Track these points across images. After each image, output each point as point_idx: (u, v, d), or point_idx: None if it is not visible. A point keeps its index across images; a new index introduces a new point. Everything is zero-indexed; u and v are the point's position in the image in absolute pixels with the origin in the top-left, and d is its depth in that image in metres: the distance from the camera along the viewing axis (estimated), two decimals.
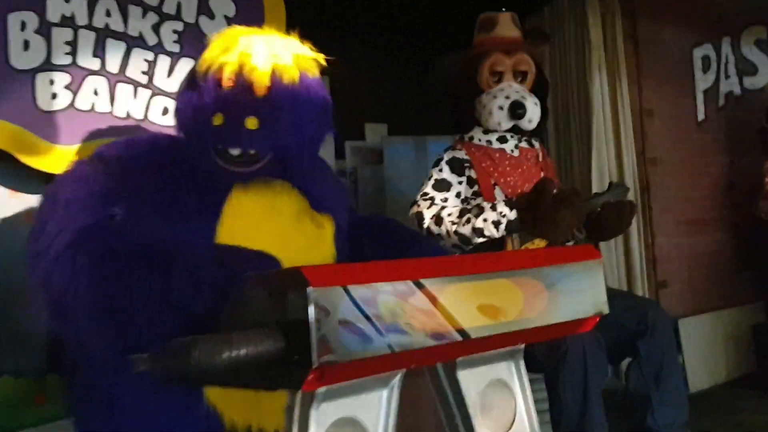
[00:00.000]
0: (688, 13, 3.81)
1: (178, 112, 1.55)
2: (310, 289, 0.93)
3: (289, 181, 1.62)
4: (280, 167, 1.55)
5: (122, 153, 1.53)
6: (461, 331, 1.13)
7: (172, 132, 1.62)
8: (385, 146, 3.23)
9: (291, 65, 1.52)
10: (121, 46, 2.22)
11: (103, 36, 2.18)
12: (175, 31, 2.36)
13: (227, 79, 1.47)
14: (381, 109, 3.43)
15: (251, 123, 1.45)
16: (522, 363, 1.39)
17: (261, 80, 1.47)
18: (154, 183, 1.48)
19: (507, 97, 2.23)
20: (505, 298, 1.21)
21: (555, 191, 1.99)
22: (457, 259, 1.28)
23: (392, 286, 1.05)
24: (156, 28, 2.31)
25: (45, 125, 2.05)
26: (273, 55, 1.50)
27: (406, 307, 1.06)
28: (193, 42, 2.35)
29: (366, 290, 1.00)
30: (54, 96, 2.08)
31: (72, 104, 2.12)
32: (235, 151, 1.49)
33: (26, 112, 2.03)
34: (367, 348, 0.99)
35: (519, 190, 2.25)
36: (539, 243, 2.07)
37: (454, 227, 2.08)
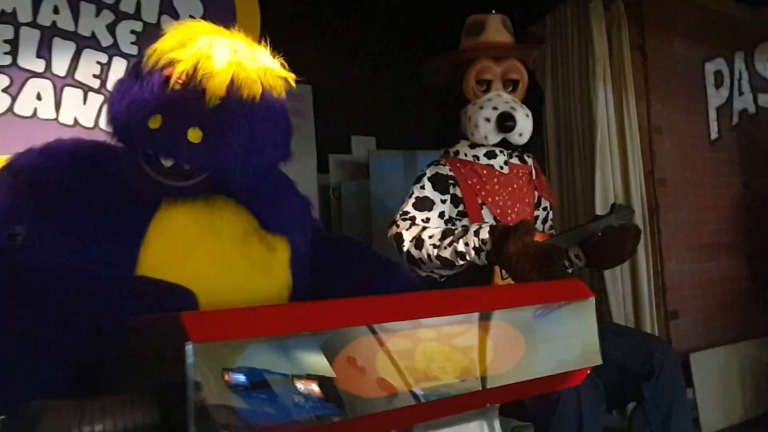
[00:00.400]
0: (699, 24, 3.58)
1: (111, 106, 1.33)
2: (190, 344, 0.69)
3: (233, 198, 1.39)
4: (220, 184, 1.33)
5: (35, 162, 1.31)
6: (413, 394, 0.89)
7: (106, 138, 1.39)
8: (371, 160, 3.00)
9: (254, 78, 1.30)
10: (71, 47, 2.02)
11: (49, 35, 1.98)
12: (133, 32, 2.16)
13: (177, 78, 1.26)
14: (368, 121, 3.22)
15: (193, 135, 1.22)
16: (497, 422, 1.14)
17: (216, 88, 1.25)
18: (69, 197, 1.26)
19: (495, 108, 2.00)
20: (471, 348, 0.97)
21: (534, 238, 1.74)
22: (411, 297, 1.04)
23: (316, 337, 0.81)
24: (111, 28, 2.11)
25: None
26: (236, 62, 1.28)
27: (338, 363, 0.82)
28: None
29: (274, 345, 0.76)
30: None
31: (10, 109, 1.91)
32: (167, 162, 1.27)
33: None
34: (276, 422, 0.75)
35: (509, 211, 2.01)
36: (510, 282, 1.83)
37: (435, 251, 1.84)
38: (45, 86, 1.97)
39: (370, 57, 3.23)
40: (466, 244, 1.78)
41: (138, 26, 2.17)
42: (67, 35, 2.01)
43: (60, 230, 1.22)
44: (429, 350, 0.92)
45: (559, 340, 1.06)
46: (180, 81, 1.26)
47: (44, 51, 1.97)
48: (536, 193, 2.12)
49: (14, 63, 1.92)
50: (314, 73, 3.04)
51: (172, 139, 1.22)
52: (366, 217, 2.89)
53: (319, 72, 3.05)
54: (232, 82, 1.26)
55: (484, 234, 1.77)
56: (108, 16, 2.11)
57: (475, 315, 1.00)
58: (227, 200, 1.38)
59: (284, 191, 1.53)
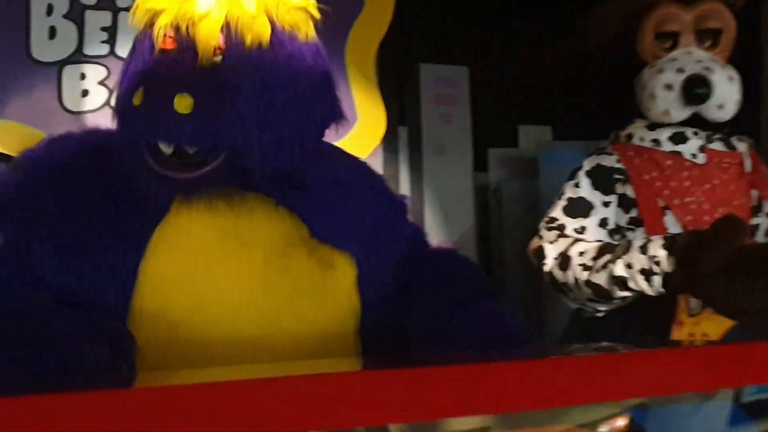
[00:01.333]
0: None
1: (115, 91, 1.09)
2: None
3: (271, 197, 1.05)
4: (246, 176, 1.00)
5: (39, 158, 1.08)
6: None
7: None
8: (541, 154, 2.48)
9: (256, 14, 0.97)
10: None
11: None
12: None
13: (162, 38, 0.98)
14: (542, 107, 2.70)
15: (181, 103, 0.92)
16: None
17: (205, 38, 0.95)
18: (63, 200, 1.01)
19: (680, 70, 1.41)
20: None
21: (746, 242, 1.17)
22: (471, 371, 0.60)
23: None
24: None
25: (72, 129, 1.71)
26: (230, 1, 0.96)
27: None
28: None
29: None
30: (85, 93, 1.73)
31: (107, 103, 1.75)
32: (165, 148, 0.96)
33: (49, 113, 1.69)
34: None
35: (706, 217, 1.42)
36: (708, 319, 1.25)
37: (585, 274, 1.33)
38: None
39: (541, 24, 2.72)
40: (629, 266, 1.24)
41: None
42: None
43: (47, 239, 0.97)
44: None
45: None
46: (170, 38, 0.96)
47: None
48: (753, 192, 1.48)
49: (112, 52, 1.76)
50: (471, 52, 2.64)
51: (153, 112, 0.93)
52: (533, 223, 2.36)
53: (478, 50, 2.60)
54: (228, 27, 0.95)
55: (656, 249, 1.22)
56: None
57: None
58: (263, 200, 1.04)
59: (349, 185, 1.14)
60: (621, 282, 1.26)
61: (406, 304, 1.09)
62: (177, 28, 0.96)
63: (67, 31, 1.71)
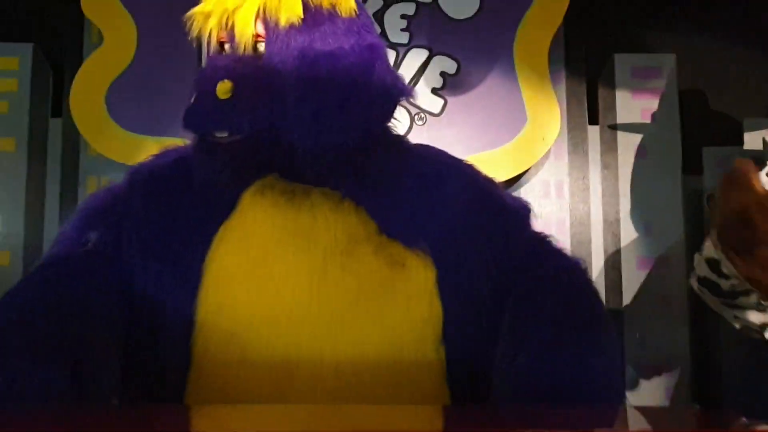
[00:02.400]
0: None
1: None
2: None
3: (337, 190, 0.97)
4: (310, 168, 0.95)
5: (142, 165, 1.12)
6: None
7: None
8: None
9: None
10: None
11: None
12: (403, 16, 1.86)
13: (213, 37, 0.97)
14: None
15: (222, 89, 0.93)
16: None
17: (242, 27, 0.95)
18: (151, 203, 1.03)
19: None
20: None
21: None
22: None
23: None
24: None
25: None
26: None
27: None
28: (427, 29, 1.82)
29: None
30: None
31: None
32: (220, 135, 0.94)
33: None
34: None
35: None
36: None
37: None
38: None
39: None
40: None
41: (410, 9, 1.86)
42: None
43: (129, 243, 1.00)
44: None
45: None
46: (219, 38, 0.96)
47: None
48: None
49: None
50: (677, 37, 2.24)
51: (200, 103, 0.94)
52: None
53: (686, 34, 2.23)
54: (261, 10, 0.94)
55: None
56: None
57: None
58: (328, 195, 0.96)
59: (430, 181, 1.00)
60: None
61: (496, 323, 0.93)
62: (223, 26, 0.96)
63: None
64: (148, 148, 1.76)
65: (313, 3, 0.95)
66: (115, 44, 1.78)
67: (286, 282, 0.92)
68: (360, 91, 0.94)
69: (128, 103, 1.77)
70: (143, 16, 1.78)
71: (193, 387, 0.91)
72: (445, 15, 1.87)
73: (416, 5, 1.87)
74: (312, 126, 0.91)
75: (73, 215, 1.07)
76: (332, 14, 0.96)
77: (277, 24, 0.94)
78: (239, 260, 0.94)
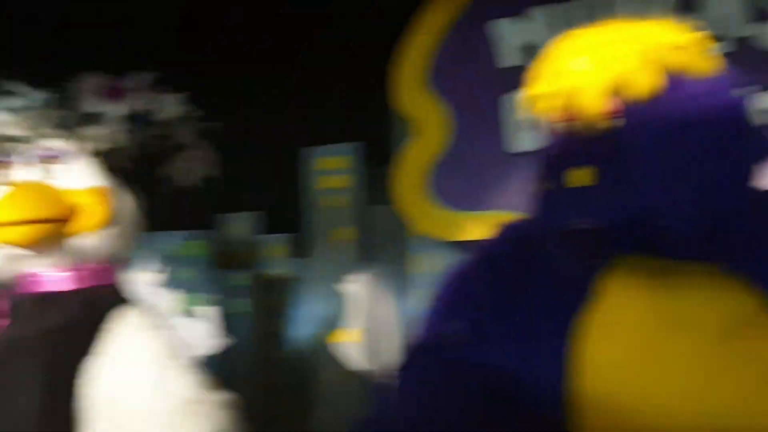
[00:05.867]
0: None
1: None
2: None
3: (706, 262, 0.88)
4: (669, 241, 0.87)
5: (490, 244, 1.16)
6: None
7: None
8: None
9: (641, 66, 0.87)
10: None
11: None
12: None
13: (555, 118, 0.94)
14: None
15: (581, 176, 0.88)
16: None
17: (592, 101, 0.88)
18: (501, 287, 1.05)
19: None
20: None
21: None
22: None
23: None
24: None
25: None
26: (610, 59, 0.89)
27: None
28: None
29: None
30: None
31: None
32: (578, 225, 0.91)
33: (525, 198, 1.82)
34: None
35: None
36: None
37: None
38: None
39: None
40: None
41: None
42: None
43: (496, 330, 1.02)
44: None
45: None
46: (561, 118, 0.91)
47: None
48: None
49: None
50: None
51: (555, 191, 0.90)
52: None
53: None
54: (614, 89, 0.86)
55: None
56: None
57: None
58: (700, 270, 0.88)
59: None
60: None
61: None
62: (566, 106, 0.90)
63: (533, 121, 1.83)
64: (468, 224, 1.87)
65: (673, 67, 0.87)
66: (429, 131, 1.94)
67: (668, 372, 0.84)
68: (735, 160, 0.86)
69: (447, 182, 1.90)
70: (457, 101, 1.91)
71: None
72: None
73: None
74: (686, 207, 0.85)
75: (432, 303, 1.11)
76: (687, 79, 0.87)
77: (634, 97, 0.87)
78: (616, 348, 0.89)
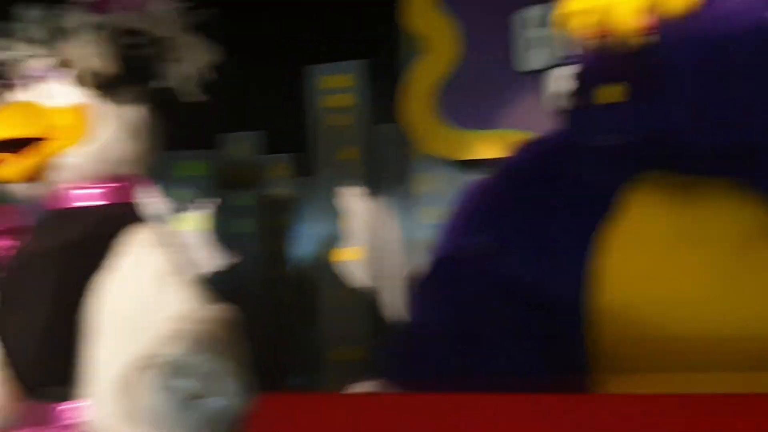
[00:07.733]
0: None
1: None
2: None
3: (730, 178, 0.90)
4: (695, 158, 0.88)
5: (514, 160, 1.16)
6: None
7: None
8: None
9: None
10: None
11: None
12: None
13: (589, 34, 0.93)
14: None
15: (612, 92, 0.89)
16: None
17: (628, 18, 0.88)
18: (525, 200, 1.06)
19: None
20: None
21: None
22: None
23: None
24: None
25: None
26: None
27: None
28: None
29: None
30: (565, 93, 1.78)
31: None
32: (605, 141, 0.93)
33: (535, 117, 1.80)
34: None
35: None
36: None
37: None
38: None
39: None
40: None
41: None
42: None
43: (520, 241, 1.04)
44: None
45: None
46: (595, 34, 0.91)
47: None
48: None
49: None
50: None
51: (586, 107, 0.92)
52: None
53: None
54: (650, 7, 0.86)
55: None
56: None
57: None
58: (722, 186, 0.89)
59: None
60: None
61: None
62: (601, 22, 0.90)
63: (544, 40, 1.80)
64: (476, 143, 1.85)
65: None
66: (440, 49, 1.89)
67: (686, 282, 0.88)
68: (765, 77, 0.85)
69: (456, 102, 1.87)
70: (467, 19, 1.86)
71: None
72: None
73: None
74: (716, 125, 0.85)
75: (453, 216, 1.14)
76: None
77: (670, 14, 0.86)
78: (638, 262, 0.91)
